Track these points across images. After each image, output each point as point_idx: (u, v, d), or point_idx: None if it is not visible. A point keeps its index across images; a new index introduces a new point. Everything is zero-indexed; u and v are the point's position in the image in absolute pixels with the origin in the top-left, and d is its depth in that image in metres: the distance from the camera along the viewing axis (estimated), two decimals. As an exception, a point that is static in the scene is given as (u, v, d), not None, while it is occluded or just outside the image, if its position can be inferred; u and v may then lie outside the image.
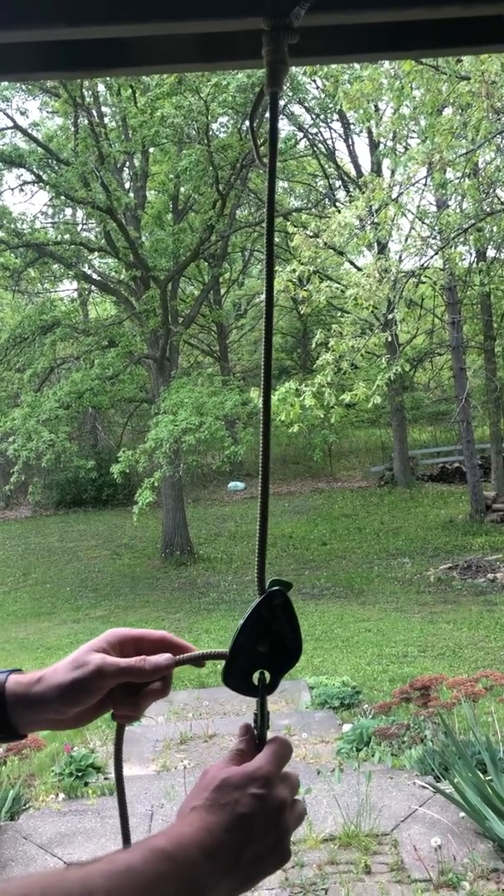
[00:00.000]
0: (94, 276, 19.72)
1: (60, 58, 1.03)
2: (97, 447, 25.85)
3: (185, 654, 0.85)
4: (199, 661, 0.86)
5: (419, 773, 4.83)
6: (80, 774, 5.46)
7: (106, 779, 5.62)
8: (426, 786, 4.56)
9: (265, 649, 0.81)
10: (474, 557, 14.47)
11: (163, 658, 0.83)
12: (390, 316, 9.75)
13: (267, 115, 0.92)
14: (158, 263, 17.34)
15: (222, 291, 26.51)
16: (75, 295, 24.11)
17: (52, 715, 0.82)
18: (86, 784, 5.40)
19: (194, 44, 1.06)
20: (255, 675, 0.81)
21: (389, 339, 10.44)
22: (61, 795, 5.20)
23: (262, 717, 0.80)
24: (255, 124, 1.05)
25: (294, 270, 9.50)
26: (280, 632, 0.82)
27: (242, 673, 0.81)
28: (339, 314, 12.72)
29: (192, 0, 0.93)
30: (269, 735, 0.80)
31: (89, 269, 19.52)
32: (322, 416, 12.00)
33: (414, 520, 18.80)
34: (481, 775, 4.19)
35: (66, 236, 17.75)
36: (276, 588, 0.82)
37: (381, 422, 25.58)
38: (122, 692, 0.84)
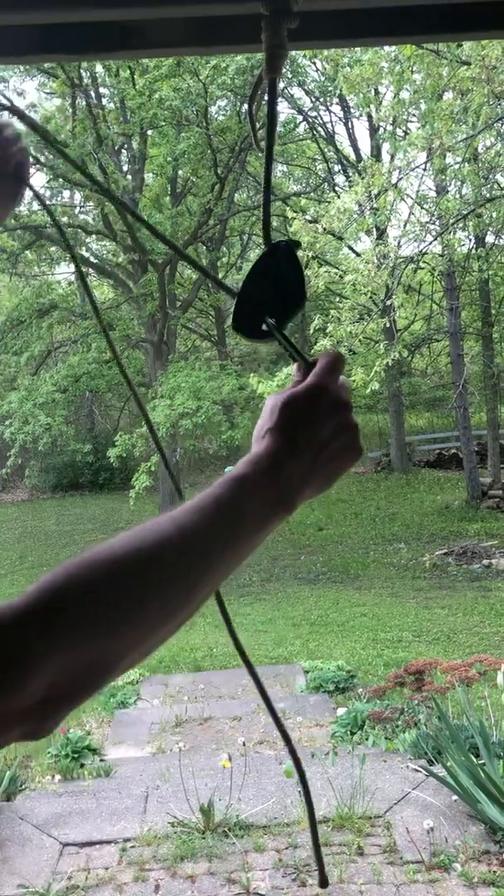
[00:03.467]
0: (92, 259, 19.63)
1: (60, 40, 1.02)
2: (94, 431, 25.82)
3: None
4: None
5: (413, 756, 4.88)
6: (75, 756, 5.50)
7: (102, 760, 5.66)
8: (419, 769, 4.60)
9: (270, 296, 0.83)
10: (470, 543, 14.52)
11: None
12: (388, 302, 9.73)
13: (265, 99, 0.92)
14: (156, 247, 17.26)
15: (220, 275, 26.40)
16: (73, 278, 23.99)
17: None
18: (81, 765, 5.44)
19: (194, 28, 1.06)
20: (263, 324, 0.83)
21: (387, 324, 10.42)
22: (57, 777, 5.24)
23: (290, 345, 0.81)
24: (253, 109, 1.05)
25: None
26: (284, 279, 0.84)
27: (251, 319, 0.83)
28: (338, 299, 12.68)
29: (192, -16, 0.93)
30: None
31: (87, 251, 19.42)
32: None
33: (410, 505, 18.84)
34: (474, 759, 4.23)
35: (64, 219, 17.64)
36: (282, 240, 0.85)
37: (378, 407, 25.54)
38: None
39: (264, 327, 0.82)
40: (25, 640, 0.54)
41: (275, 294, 0.83)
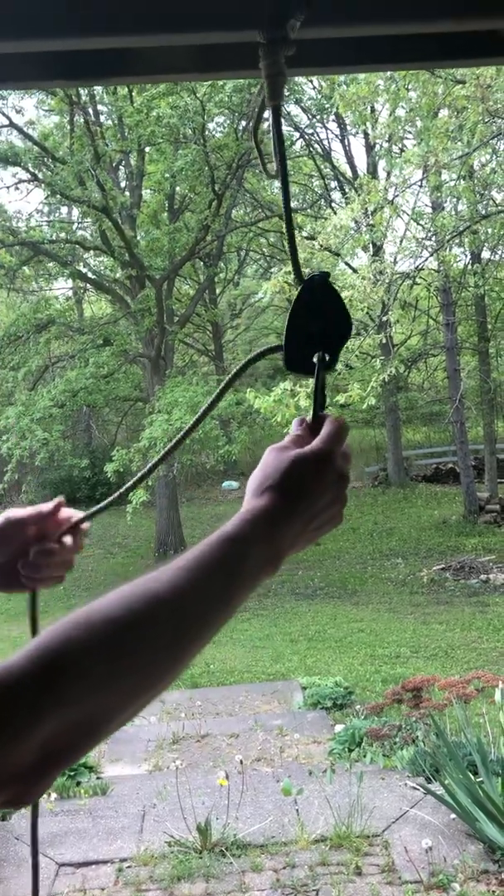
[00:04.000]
0: (90, 274, 19.69)
1: (62, 66, 1.04)
2: (91, 446, 25.80)
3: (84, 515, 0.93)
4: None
5: (410, 774, 4.85)
6: (72, 774, 5.46)
7: (98, 778, 5.62)
8: (417, 787, 4.58)
9: (317, 329, 0.85)
10: (467, 558, 14.51)
11: (54, 500, 0.91)
12: (385, 317, 9.77)
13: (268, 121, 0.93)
14: (154, 263, 17.31)
15: (218, 291, 26.48)
16: (70, 293, 24.05)
17: None
18: (78, 784, 5.40)
19: (191, 54, 1.07)
20: (316, 357, 0.84)
21: (384, 340, 10.46)
22: (53, 795, 5.20)
23: (320, 395, 0.83)
24: (258, 136, 1.07)
25: (290, 272, 9.49)
26: (327, 310, 0.86)
27: (301, 355, 0.85)
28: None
29: (190, 13, 0.94)
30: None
31: (84, 267, 19.48)
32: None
33: (407, 520, 18.83)
34: (472, 777, 4.21)
35: (62, 235, 17.72)
36: (316, 275, 0.86)
37: (375, 422, 25.57)
38: (36, 553, 0.90)
39: (315, 360, 0.84)
40: (27, 700, 0.56)
41: (322, 327, 0.85)
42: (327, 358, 0.84)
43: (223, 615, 0.71)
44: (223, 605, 0.71)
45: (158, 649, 0.64)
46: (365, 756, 5.38)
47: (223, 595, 0.70)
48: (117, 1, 0.92)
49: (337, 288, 0.87)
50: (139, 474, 0.97)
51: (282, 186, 0.91)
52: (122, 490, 0.92)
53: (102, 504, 0.92)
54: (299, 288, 0.86)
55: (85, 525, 0.94)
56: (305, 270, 0.88)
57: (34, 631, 0.95)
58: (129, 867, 4.04)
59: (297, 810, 4.43)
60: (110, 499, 0.93)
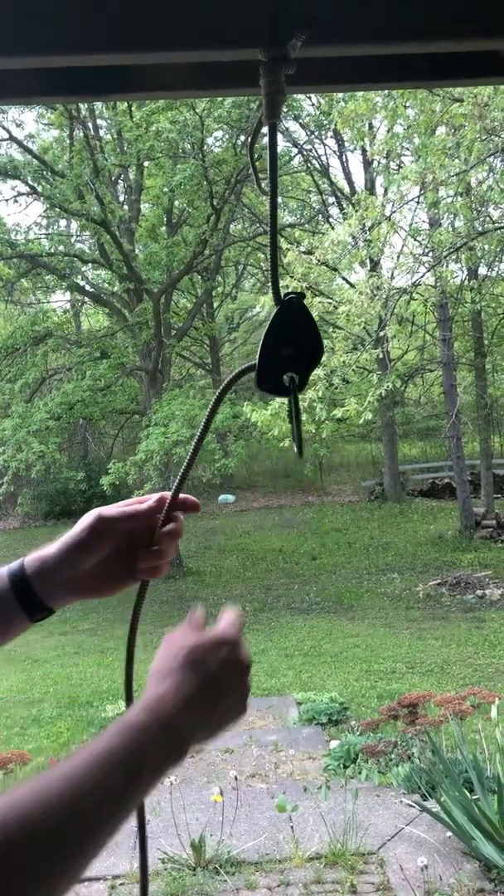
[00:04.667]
0: (88, 287, 19.74)
1: (63, 83, 1.05)
2: (87, 458, 25.79)
3: (186, 497, 0.91)
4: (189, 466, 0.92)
5: (406, 791, 4.82)
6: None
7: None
8: (413, 804, 4.55)
9: (290, 352, 0.86)
10: (463, 573, 14.49)
11: (154, 496, 0.90)
12: (382, 332, 9.80)
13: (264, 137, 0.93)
14: (152, 276, 17.37)
15: (215, 305, 26.57)
16: (68, 306, 24.12)
17: (69, 570, 0.86)
18: (71, 799, 5.35)
19: (191, 71, 1.08)
20: (286, 378, 0.86)
21: (381, 355, 10.49)
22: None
23: (296, 414, 0.85)
24: (254, 152, 1.07)
25: (286, 286, 9.53)
26: (301, 334, 0.87)
27: (273, 377, 0.86)
28: (332, 330, 12.78)
29: (191, 31, 0.95)
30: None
31: (82, 280, 19.54)
32: (313, 430, 12.02)
33: (404, 535, 18.82)
34: (468, 794, 4.18)
35: (60, 247, 17.78)
36: (293, 297, 0.87)
37: (371, 436, 25.62)
38: (138, 545, 0.89)
39: (286, 382, 0.85)
40: None
41: (295, 349, 0.86)
42: (297, 380, 0.85)
43: (122, 809, 0.68)
44: (127, 799, 0.68)
45: (52, 859, 0.62)
46: (360, 772, 5.35)
47: (124, 788, 0.67)
48: (119, 20, 0.93)
49: (311, 312, 0.89)
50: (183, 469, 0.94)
51: (270, 203, 0.91)
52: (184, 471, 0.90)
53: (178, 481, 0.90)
54: (276, 308, 0.87)
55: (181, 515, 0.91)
56: (296, 289, 0.89)
57: (133, 627, 0.97)
58: (122, 884, 4.00)
59: (292, 827, 4.40)
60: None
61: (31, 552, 0.88)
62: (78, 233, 20.13)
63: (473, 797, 4.16)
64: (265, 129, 0.94)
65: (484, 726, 5.17)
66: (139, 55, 0.98)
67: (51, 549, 0.87)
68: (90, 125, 16.24)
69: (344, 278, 20.02)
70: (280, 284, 0.91)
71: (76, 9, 0.91)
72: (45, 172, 16.27)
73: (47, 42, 0.93)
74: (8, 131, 16.35)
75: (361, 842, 4.16)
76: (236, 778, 4.89)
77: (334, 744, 6.01)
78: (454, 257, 11.40)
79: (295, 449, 0.87)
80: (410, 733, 5.40)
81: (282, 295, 0.88)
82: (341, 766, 5.57)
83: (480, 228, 10.49)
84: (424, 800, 4.57)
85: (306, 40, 0.89)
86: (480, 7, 0.98)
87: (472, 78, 1.15)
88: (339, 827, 4.21)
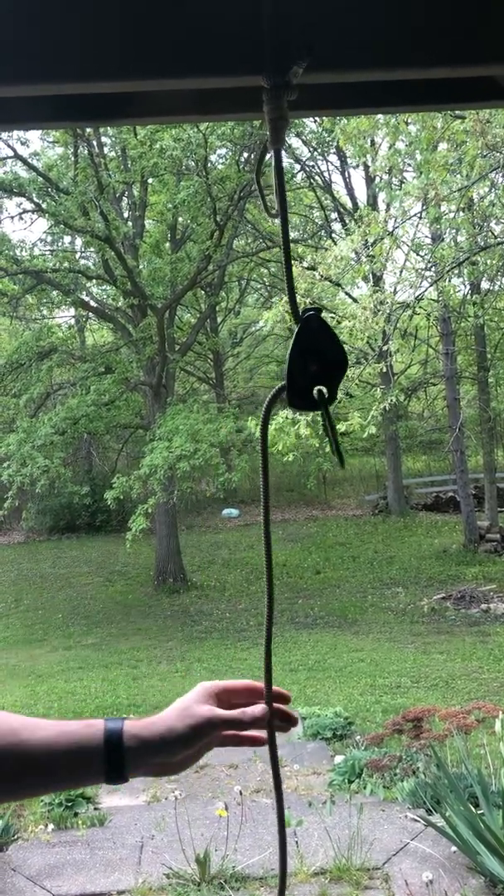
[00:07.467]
0: (92, 303, 19.83)
1: (69, 109, 1.08)
2: (91, 473, 25.81)
3: (278, 691, 0.97)
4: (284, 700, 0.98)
5: (411, 805, 4.81)
6: (69, 805, 5.41)
7: (96, 809, 5.57)
8: (418, 819, 4.54)
9: (316, 368, 0.88)
10: (468, 587, 14.45)
11: (258, 709, 0.93)
12: (385, 347, 9.84)
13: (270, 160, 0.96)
14: (156, 292, 17.45)
15: (219, 320, 26.67)
16: (73, 322, 24.21)
17: (163, 758, 0.91)
18: (75, 814, 5.35)
19: (194, 97, 1.11)
20: (315, 392, 0.88)
21: (384, 369, 10.52)
22: (50, 826, 5.15)
23: (331, 426, 0.87)
24: (260, 178, 1.10)
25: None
26: (324, 348, 0.89)
27: (302, 393, 0.88)
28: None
29: (194, 59, 0.98)
30: None
31: (87, 296, 19.63)
32: (317, 444, 12.04)
33: (408, 549, 18.78)
34: (473, 809, 4.17)
35: (65, 264, 17.88)
36: (310, 312, 0.90)
37: (375, 450, 25.61)
38: (224, 739, 0.95)
39: (315, 395, 0.88)
40: None
41: (320, 363, 0.89)
42: (326, 393, 0.88)
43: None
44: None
45: None
46: (365, 787, 5.33)
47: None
48: (124, 49, 0.96)
49: (329, 322, 0.91)
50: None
51: (282, 229, 0.94)
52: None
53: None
54: (297, 327, 0.89)
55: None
56: (300, 305, 0.92)
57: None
58: (126, 900, 3.99)
59: (297, 842, 4.38)
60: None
61: (132, 722, 0.92)
62: (82, 249, 20.23)
63: (478, 812, 4.15)
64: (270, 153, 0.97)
65: (489, 741, 5.15)
66: (143, 82, 1.01)
67: (154, 729, 0.91)
68: (94, 143, 16.37)
69: (347, 293, 20.10)
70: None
71: (86, 39, 0.95)
72: (49, 189, 16.39)
73: (56, 71, 0.96)
74: (13, 149, 16.49)
75: (366, 857, 4.14)
76: (241, 793, 4.88)
77: (339, 759, 5.99)
78: (456, 272, 11.44)
79: (336, 460, 0.89)
80: (415, 748, 5.38)
81: (300, 312, 0.91)
82: (346, 780, 5.55)
83: (482, 243, 10.54)
84: (429, 814, 4.55)
85: (307, 67, 0.92)
86: (478, 35, 1.01)
87: (469, 102, 1.18)
88: (344, 842, 4.20)
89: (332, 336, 0.90)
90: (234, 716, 0.92)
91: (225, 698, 0.95)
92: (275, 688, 0.96)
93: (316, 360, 0.89)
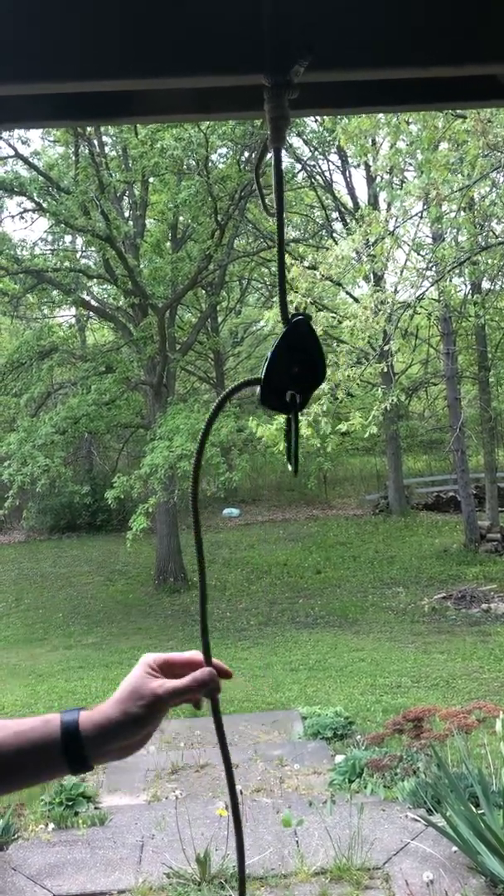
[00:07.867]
0: (93, 302, 19.83)
1: (71, 108, 1.08)
2: (92, 472, 25.81)
3: (218, 664, 1.01)
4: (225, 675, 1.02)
5: (411, 805, 4.81)
6: (70, 804, 5.41)
7: (96, 808, 5.57)
8: (418, 819, 4.54)
9: (295, 371, 0.89)
10: (468, 587, 14.45)
11: (205, 672, 0.98)
12: (386, 346, 9.83)
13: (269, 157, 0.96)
14: (157, 291, 17.45)
15: (220, 319, 26.67)
16: (73, 321, 24.22)
17: (122, 741, 0.93)
18: (76, 814, 5.35)
19: (195, 96, 1.11)
20: (288, 395, 0.89)
21: (385, 369, 10.51)
22: (51, 825, 5.15)
23: (295, 431, 0.89)
24: (260, 176, 1.10)
25: (291, 302, 9.58)
26: (306, 355, 0.90)
27: (277, 393, 0.89)
28: (336, 344, 12.81)
29: (195, 58, 0.98)
30: None
31: (88, 295, 19.62)
32: (318, 444, 12.03)
33: (408, 549, 18.77)
34: (474, 809, 4.17)
35: (66, 263, 17.88)
36: (300, 317, 0.90)
37: (376, 450, 25.61)
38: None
39: (287, 399, 0.88)
40: None
41: (299, 368, 0.89)
42: (297, 399, 0.88)
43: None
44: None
45: None
46: (365, 787, 5.33)
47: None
48: (125, 49, 0.96)
49: (317, 333, 0.92)
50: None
51: (277, 226, 0.94)
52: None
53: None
54: (286, 328, 0.89)
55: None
56: (292, 308, 0.92)
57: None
58: (126, 899, 3.99)
59: (297, 842, 4.39)
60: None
61: (88, 712, 0.93)
62: (83, 248, 20.24)
63: (479, 812, 4.15)
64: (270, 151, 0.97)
65: (489, 740, 5.15)
66: (143, 81, 1.01)
67: (108, 714, 0.93)
68: (95, 142, 16.37)
69: (348, 293, 20.10)
70: (287, 302, 0.94)
71: (86, 39, 0.95)
72: (50, 189, 16.38)
73: (57, 70, 0.96)
74: (14, 148, 16.48)
75: (367, 857, 4.14)
76: (241, 792, 4.87)
77: (339, 758, 5.99)
78: (457, 272, 11.44)
79: (290, 467, 0.90)
80: (416, 748, 5.38)
81: (290, 316, 0.91)
82: (346, 780, 5.55)
83: (483, 243, 10.53)
84: (430, 814, 4.55)
85: (308, 66, 0.92)
86: (478, 34, 1.01)
87: (470, 101, 1.18)
88: (345, 842, 4.20)
89: (316, 345, 0.90)
90: (185, 684, 0.96)
91: (167, 669, 0.98)
92: (215, 660, 1.00)
93: (299, 362, 0.89)
